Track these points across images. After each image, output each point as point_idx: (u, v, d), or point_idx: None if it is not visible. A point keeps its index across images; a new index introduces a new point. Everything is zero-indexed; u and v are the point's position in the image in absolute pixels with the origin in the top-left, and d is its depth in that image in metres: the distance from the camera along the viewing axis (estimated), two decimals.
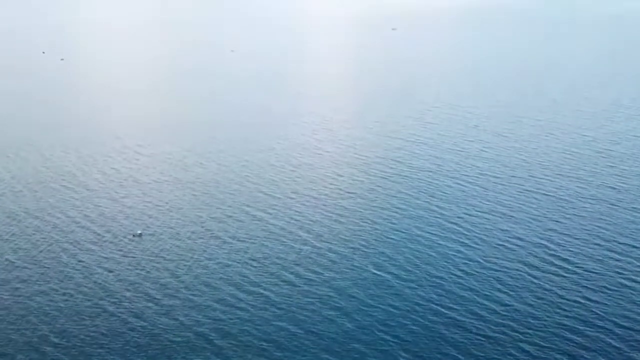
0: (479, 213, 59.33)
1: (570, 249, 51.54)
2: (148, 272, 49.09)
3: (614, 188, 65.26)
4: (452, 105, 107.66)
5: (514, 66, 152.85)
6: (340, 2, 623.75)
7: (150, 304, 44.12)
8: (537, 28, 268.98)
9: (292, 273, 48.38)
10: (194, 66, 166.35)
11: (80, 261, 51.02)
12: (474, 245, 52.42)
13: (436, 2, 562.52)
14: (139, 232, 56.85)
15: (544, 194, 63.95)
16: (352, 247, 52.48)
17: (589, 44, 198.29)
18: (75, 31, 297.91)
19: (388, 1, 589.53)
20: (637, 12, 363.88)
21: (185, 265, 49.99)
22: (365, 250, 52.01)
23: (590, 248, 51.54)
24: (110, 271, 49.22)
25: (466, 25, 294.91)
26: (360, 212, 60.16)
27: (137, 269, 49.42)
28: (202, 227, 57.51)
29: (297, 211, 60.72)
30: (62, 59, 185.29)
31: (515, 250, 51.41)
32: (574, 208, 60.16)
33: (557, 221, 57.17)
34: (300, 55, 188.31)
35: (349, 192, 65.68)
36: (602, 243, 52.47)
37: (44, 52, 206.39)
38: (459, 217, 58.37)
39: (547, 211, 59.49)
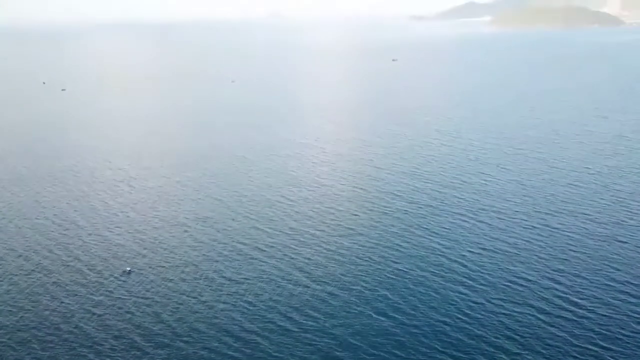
0: (481, 251, 56.88)
1: (578, 289, 48.95)
2: (133, 314, 46.44)
3: (621, 224, 62.89)
4: (452, 137, 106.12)
5: (513, 97, 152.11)
6: (341, 34, 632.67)
7: (134, 352, 41.40)
8: (535, 59, 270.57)
9: (286, 318, 45.73)
10: (195, 96, 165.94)
11: (62, 303, 48.41)
12: (477, 287, 49.83)
13: (435, 35, 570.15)
14: (128, 269, 54.49)
15: (549, 231, 61.59)
16: (350, 289, 49.90)
17: (587, 76, 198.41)
18: (75, 64, 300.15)
19: (388, 34, 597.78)
20: (634, 44, 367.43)
21: (172, 308, 47.34)
22: (365, 292, 49.41)
23: (598, 288, 48.94)
24: (94, 314, 46.57)
25: (465, 57, 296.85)
26: (359, 250, 57.73)
27: (122, 311, 46.77)
28: (194, 265, 55.04)
29: (293, 249, 58.30)
30: (63, 90, 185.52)
31: (520, 292, 48.79)
32: (580, 245, 57.71)
33: (563, 259, 54.68)
34: (301, 86, 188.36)
35: (347, 229, 63.34)
36: (611, 284, 49.90)
37: (44, 83, 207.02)
38: (461, 255, 55.90)
39: (553, 249, 57.04)
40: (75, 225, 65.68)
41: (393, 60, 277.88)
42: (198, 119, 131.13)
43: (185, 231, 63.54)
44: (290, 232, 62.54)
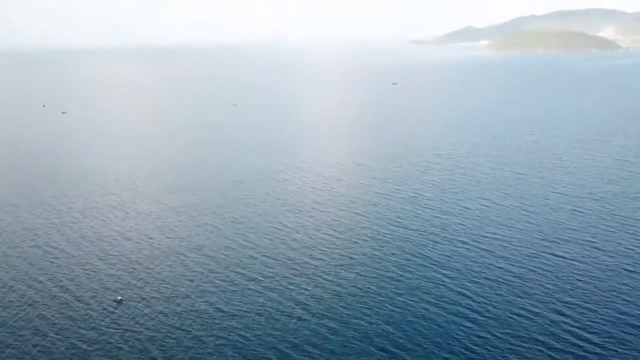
0: (485, 281, 54.83)
1: (587, 322, 46.80)
2: (121, 349, 44.22)
3: (629, 253, 60.90)
4: (453, 162, 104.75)
5: (513, 120, 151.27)
6: (342, 57, 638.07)
7: None
8: (535, 83, 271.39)
9: (283, 355, 43.51)
10: (195, 120, 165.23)
11: (46, 337, 46.21)
12: (481, 320, 47.68)
13: (435, 58, 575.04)
14: (119, 298, 52.47)
15: (555, 259, 59.59)
16: (349, 323, 47.75)
17: (588, 99, 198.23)
18: (76, 86, 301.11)
19: (388, 57, 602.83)
20: (631, 68, 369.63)
21: (162, 343, 45.14)
22: (365, 326, 47.25)
23: (608, 322, 46.79)
24: (80, 349, 44.34)
25: (464, 80, 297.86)
26: (359, 280, 55.69)
27: (110, 346, 44.54)
28: (187, 296, 52.95)
29: (290, 280, 56.25)
30: (63, 113, 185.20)
31: (526, 325, 46.63)
32: (587, 275, 55.67)
33: (570, 290, 52.60)
34: (302, 109, 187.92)
35: (346, 258, 61.37)
36: (622, 317, 47.75)
37: (44, 106, 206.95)
38: (463, 286, 53.83)
39: (559, 279, 54.99)
40: (66, 254, 63.72)
41: (393, 83, 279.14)
42: (197, 143, 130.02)
43: (179, 260, 61.58)
44: (287, 262, 60.56)
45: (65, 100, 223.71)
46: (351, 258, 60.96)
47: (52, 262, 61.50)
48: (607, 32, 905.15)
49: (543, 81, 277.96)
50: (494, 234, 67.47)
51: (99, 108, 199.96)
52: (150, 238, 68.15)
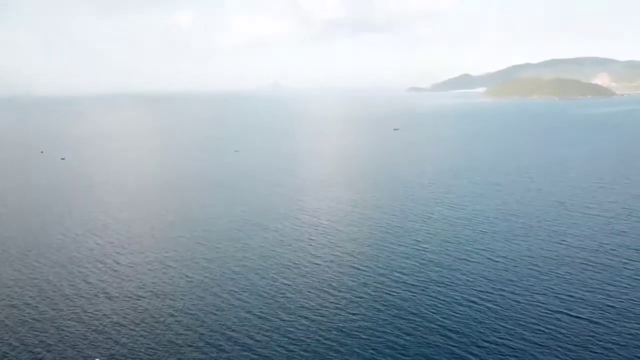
0: (496, 339, 51.41)
1: None
2: None
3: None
4: (457, 208, 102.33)
5: (514, 167, 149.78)
6: (342, 104, 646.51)
7: None
8: (533, 129, 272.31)
9: None
10: (196, 166, 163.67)
11: None
12: None
13: (434, 105, 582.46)
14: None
15: (569, 318, 56.27)
16: None
17: (587, 145, 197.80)
18: (75, 133, 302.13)
19: (388, 105, 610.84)
20: (634, 114, 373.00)
21: None
22: None
23: None
24: None
25: (464, 126, 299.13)
26: (361, 340, 52.24)
27: None
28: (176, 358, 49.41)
29: (288, 340, 52.78)
30: (62, 159, 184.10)
31: None
32: (603, 334, 52.30)
33: (586, 349, 49.17)
34: (304, 155, 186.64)
35: (348, 314, 57.99)
36: None
37: (42, 152, 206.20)
38: (469, 351, 50.37)
39: (576, 337, 51.60)
40: (52, 309, 60.30)
41: (395, 129, 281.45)
42: (197, 189, 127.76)
43: (170, 318, 58.11)
44: (285, 319, 57.15)
45: (64, 147, 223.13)
46: (354, 314, 57.57)
47: (36, 318, 58.17)
48: (602, 80, 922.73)
49: (544, 127, 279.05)
50: (501, 289, 64.17)
51: (100, 154, 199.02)
52: (141, 290, 64.84)
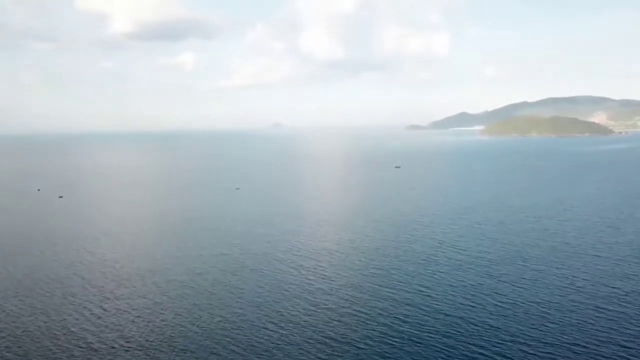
0: None
1: None
2: None
3: None
4: (459, 250, 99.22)
5: (517, 206, 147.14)
6: (342, 143, 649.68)
7: None
8: (534, 168, 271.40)
9: None
10: (197, 204, 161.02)
11: None
12: None
13: (433, 143, 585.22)
14: None
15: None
16: None
17: (590, 184, 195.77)
18: (73, 171, 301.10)
19: (388, 143, 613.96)
20: (635, 151, 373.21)
21: None
22: None
23: None
24: None
25: (464, 164, 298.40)
26: None
27: None
28: None
29: None
30: (60, 197, 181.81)
31: None
32: None
33: None
34: (305, 193, 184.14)
35: (350, 355, 54.48)
36: None
37: (39, 190, 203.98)
38: None
39: None
40: (43, 357, 56.74)
41: (396, 167, 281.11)
42: (197, 228, 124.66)
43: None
44: (280, 356, 53.61)
45: (61, 185, 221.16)
46: (355, 355, 54.09)
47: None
48: (599, 118, 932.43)
49: (542, 167, 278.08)
50: (504, 332, 60.75)
51: (99, 192, 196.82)
52: (137, 334, 61.25)
